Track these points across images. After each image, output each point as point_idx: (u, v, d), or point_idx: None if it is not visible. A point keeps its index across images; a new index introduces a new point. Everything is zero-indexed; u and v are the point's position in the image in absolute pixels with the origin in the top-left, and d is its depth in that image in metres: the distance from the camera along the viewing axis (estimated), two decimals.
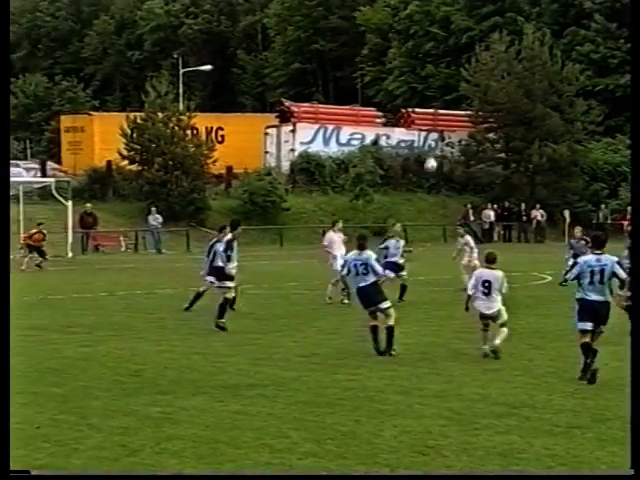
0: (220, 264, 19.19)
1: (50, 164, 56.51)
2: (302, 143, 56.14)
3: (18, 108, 71.01)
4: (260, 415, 11.00)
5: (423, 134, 59.47)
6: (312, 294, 25.11)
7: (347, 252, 18.07)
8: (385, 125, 59.82)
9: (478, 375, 13.45)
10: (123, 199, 50.24)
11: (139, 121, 49.59)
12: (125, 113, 52.85)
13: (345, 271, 15.95)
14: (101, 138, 54.67)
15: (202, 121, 53.17)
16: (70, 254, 40.93)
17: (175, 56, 67.62)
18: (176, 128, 49.67)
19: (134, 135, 49.33)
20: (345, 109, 60.95)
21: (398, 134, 58.77)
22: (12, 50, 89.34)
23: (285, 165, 56.00)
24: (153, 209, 45.89)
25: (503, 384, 12.81)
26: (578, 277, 13.22)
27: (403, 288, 22.72)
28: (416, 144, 59.06)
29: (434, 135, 59.49)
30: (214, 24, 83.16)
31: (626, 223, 44.41)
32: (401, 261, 23.14)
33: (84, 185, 50.55)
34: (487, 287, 14.84)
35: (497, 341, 14.75)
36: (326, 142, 56.93)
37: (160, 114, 49.39)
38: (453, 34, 68.04)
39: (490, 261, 15.15)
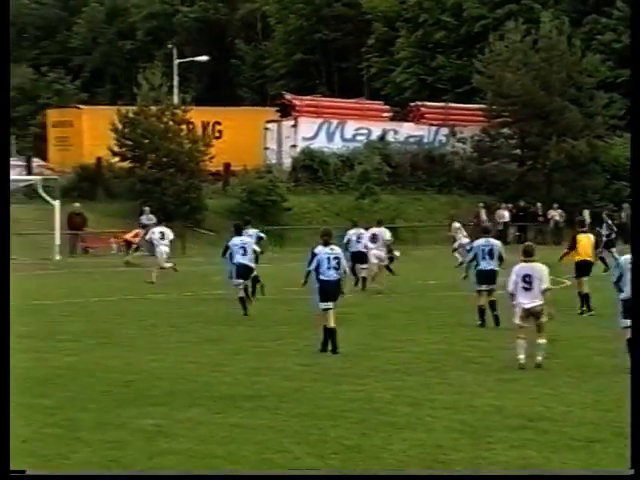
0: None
1: (36, 161, 56.53)
2: (304, 139, 56.14)
3: None
4: (260, 428, 11.00)
5: (433, 129, 59.47)
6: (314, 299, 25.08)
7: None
8: (393, 119, 59.81)
9: (492, 385, 13.46)
10: (114, 198, 50.25)
11: (131, 115, 49.57)
12: (116, 107, 52.82)
13: (314, 265, 16.68)
14: (90, 133, 54.67)
15: (198, 115, 53.17)
16: (58, 257, 40.97)
17: (169, 46, 67.54)
18: (170, 123, 49.65)
19: (125, 130, 49.32)
20: (350, 102, 60.95)
21: (406, 129, 58.77)
22: None
23: (286, 162, 56.00)
24: (146, 209, 45.81)
25: (518, 395, 12.81)
26: (620, 278, 14.22)
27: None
28: (426, 140, 59.06)
29: (445, 130, 59.48)
30: (211, 12, 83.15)
31: None
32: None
33: (72, 183, 50.54)
34: (528, 281, 15.09)
35: (539, 357, 14.86)
36: (330, 138, 56.93)
37: (153, 108, 49.38)
38: (465, 22, 68.01)
39: (528, 254, 15.47)
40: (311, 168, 55.25)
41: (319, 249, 16.86)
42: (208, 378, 14.13)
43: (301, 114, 56.88)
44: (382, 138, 57.38)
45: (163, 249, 31.53)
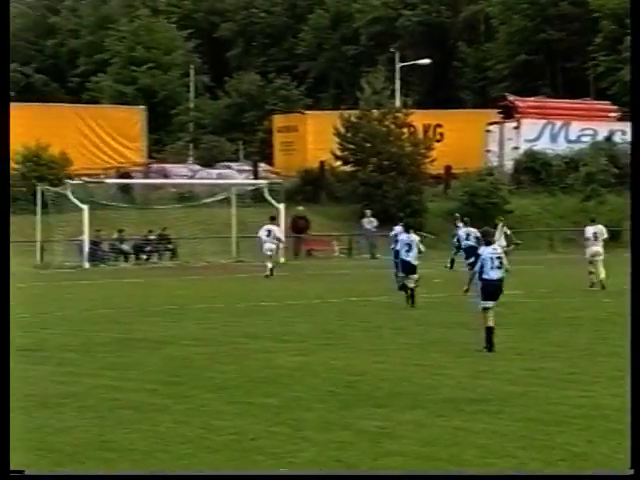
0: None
1: (262, 166, 58.06)
2: (527, 140, 55.37)
3: (231, 108, 73.32)
4: (483, 432, 10.90)
5: None
6: (538, 303, 24.69)
7: None
8: (620, 120, 58.09)
9: None
10: (336, 201, 50.96)
11: (353, 119, 50.16)
12: (339, 111, 53.65)
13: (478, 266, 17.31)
14: (314, 138, 55.74)
15: (419, 118, 53.30)
16: (282, 259, 41.86)
17: (392, 50, 68.02)
18: (392, 126, 49.95)
19: (348, 134, 49.96)
20: (575, 103, 59.68)
21: None
22: (227, 48, 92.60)
23: (508, 164, 55.37)
24: (368, 212, 46.28)
25: None
26: None
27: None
28: None
29: None
30: (433, 15, 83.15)
31: None
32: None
33: (296, 187, 51.64)
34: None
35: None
36: (553, 139, 55.92)
37: (375, 111, 49.82)
38: None
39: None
40: (534, 170, 54.42)
41: (482, 249, 17.40)
42: (431, 380, 14.11)
43: (524, 115, 56.13)
44: (609, 139, 55.87)
45: (268, 246, 33.01)
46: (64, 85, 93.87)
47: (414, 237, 24.43)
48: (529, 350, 16.94)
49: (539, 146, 55.12)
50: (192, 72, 77.99)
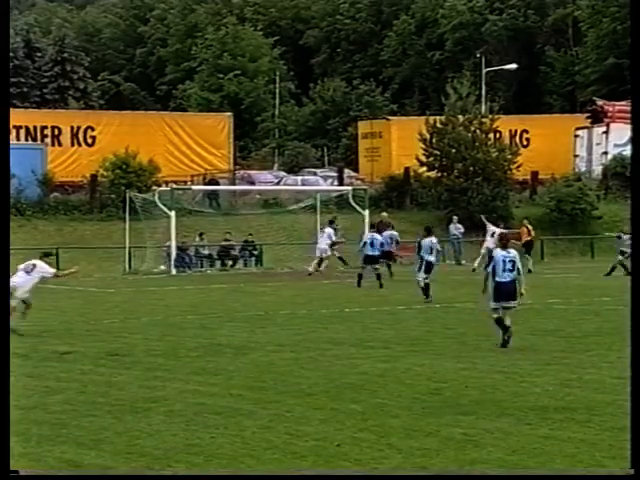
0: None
1: (347, 172, 58.15)
2: (616, 145, 54.59)
3: (316, 114, 73.63)
4: (571, 441, 10.77)
5: None
6: (628, 310, 24.28)
7: None
8: None
9: None
10: (421, 207, 50.84)
11: (438, 125, 49.99)
12: (424, 117, 53.52)
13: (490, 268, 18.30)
14: (399, 144, 55.68)
15: (505, 124, 52.94)
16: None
17: (478, 55, 67.73)
18: (478, 132, 49.66)
19: (433, 140, 49.80)
20: None
21: None
22: (312, 55, 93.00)
23: (597, 170, 54.69)
24: (455, 217, 46.06)
25: None
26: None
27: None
28: None
29: None
30: (520, 19, 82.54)
31: None
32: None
33: (381, 193, 51.61)
34: None
35: None
36: None
37: (461, 117, 49.57)
38: None
39: None
40: (623, 175, 53.55)
41: (497, 252, 18.25)
42: (517, 388, 13.98)
43: (613, 120, 55.38)
44: None
45: (322, 247, 34.71)
46: (152, 93, 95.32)
47: (435, 240, 28.27)
48: (617, 358, 16.68)
49: (629, 151, 54.25)
50: (277, 79, 78.55)
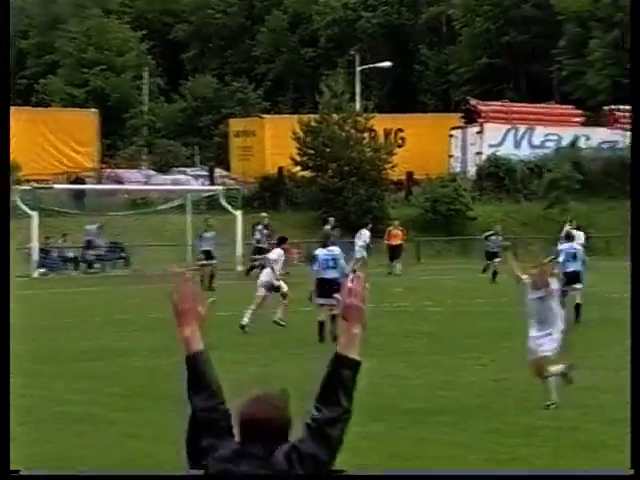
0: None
1: (219, 171, 58.00)
2: (490, 146, 55.75)
3: (187, 111, 73.21)
4: (444, 443, 11.00)
5: (628, 134, 57.96)
6: (503, 311, 24.87)
7: None
8: (585, 125, 58.73)
9: None
10: (296, 208, 51.03)
11: (313, 123, 50.29)
12: (298, 115, 53.74)
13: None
14: (273, 142, 55.78)
15: (380, 123, 53.52)
16: (240, 267, 41.80)
17: (352, 53, 68.33)
18: (352, 131, 50.13)
19: (307, 139, 50.09)
20: (539, 107, 60.22)
21: (600, 134, 57.59)
22: (182, 50, 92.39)
23: (471, 170, 55.72)
24: (331, 219, 46.27)
25: None
26: None
27: None
28: (620, 145, 57.64)
29: None
30: (394, 17, 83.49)
31: None
32: None
33: (254, 193, 51.67)
34: None
35: None
36: (517, 144, 56.36)
37: (335, 115, 49.97)
38: None
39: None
40: (497, 176, 54.81)
41: (318, 251, 20.15)
42: (391, 392, 14.20)
43: (487, 120, 56.53)
44: (573, 144, 56.40)
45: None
46: (12, 87, 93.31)
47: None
48: (490, 361, 17.07)
49: (502, 151, 55.52)
50: (146, 74, 77.75)
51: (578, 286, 23.31)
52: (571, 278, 23.02)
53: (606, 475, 8.65)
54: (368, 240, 40.75)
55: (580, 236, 32.46)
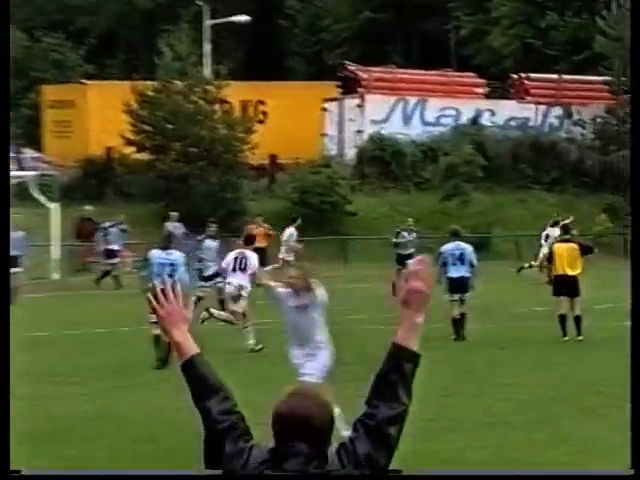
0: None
1: (29, 152, 57.40)
2: (374, 122, 56.40)
3: None
4: None
5: (542, 109, 59.48)
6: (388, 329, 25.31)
7: None
8: (489, 97, 59.89)
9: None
10: (129, 199, 50.79)
11: (150, 93, 50.18)
12: (131, 82, 53.54)
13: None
14: (98, 116, 55.44)
15: (236, 92, 53.65)
16: (56, 275, 41.47)
17: (199, 3, 68.33)
18: (200, 102, 50.19)
19: (143, 112, 49.96)
20: (433, 75, 61.11)
21: (507, 109, 58.83)
22: None
23: (350, 153, 56.28)
24: (173, 214, 46.16)
25: None
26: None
27: None
28: (532, 122, 59.06)
29: (557, 110, 59.45)
30: None
31: None
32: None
33: (75, 181, 51.34)
34: None
35: None
36: (407, 121, 57.18)
37: (178, 83, 49.97)
38: None
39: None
40: (382, 160, 55.47)
41: (152, 252, 21.80)
42: None
43: (369, 90, 57.17)
44: (475, 121, 57.51)
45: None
46: None
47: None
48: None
49: (389, 129, 56.13)
50: None
51: (465, 296, 23.88)
52: (456, 285, 23.56)
53: (606, 475, 9.24)
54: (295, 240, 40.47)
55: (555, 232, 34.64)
